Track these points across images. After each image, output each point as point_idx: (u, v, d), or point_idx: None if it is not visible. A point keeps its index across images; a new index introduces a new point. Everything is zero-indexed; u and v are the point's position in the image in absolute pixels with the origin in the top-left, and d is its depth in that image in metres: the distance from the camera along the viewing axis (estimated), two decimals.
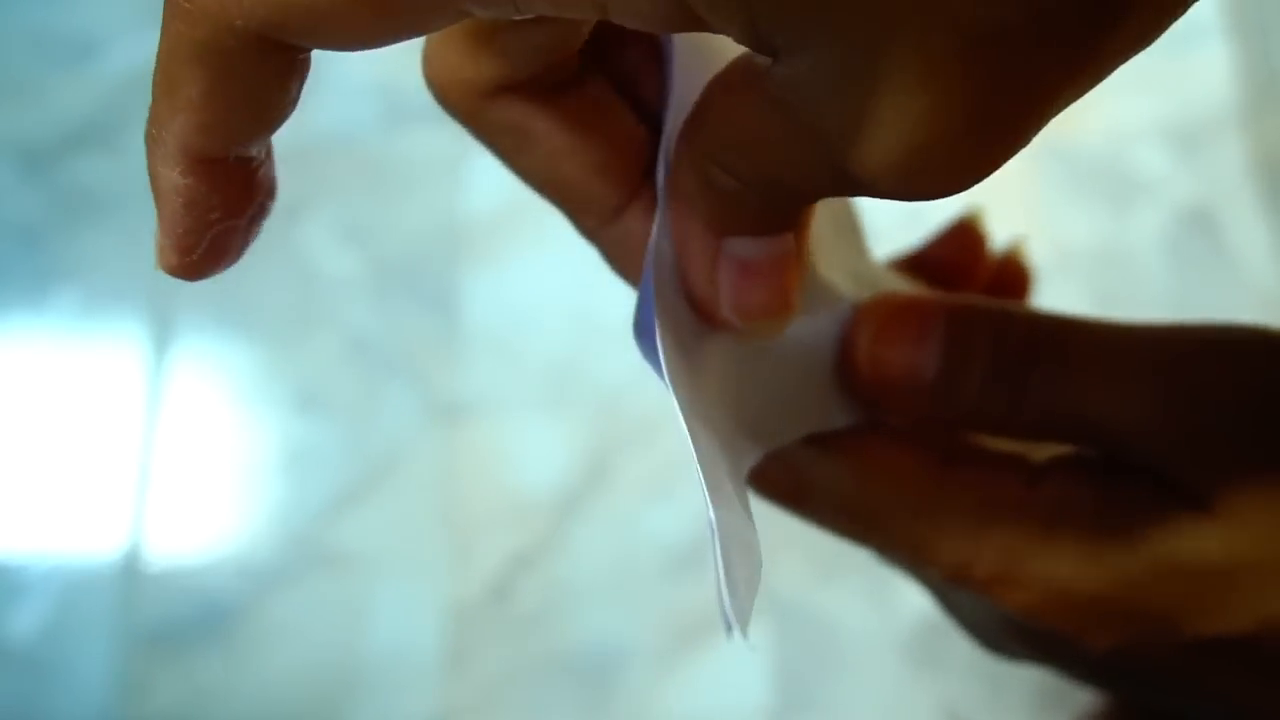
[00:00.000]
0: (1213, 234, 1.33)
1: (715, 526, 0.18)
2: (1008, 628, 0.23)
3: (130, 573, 1.29)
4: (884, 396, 0.22)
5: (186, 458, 1.34)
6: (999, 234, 0.41)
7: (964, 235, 0.28)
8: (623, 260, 0.25)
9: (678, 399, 0.19)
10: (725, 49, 0.19)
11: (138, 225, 1.42)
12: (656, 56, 0.21)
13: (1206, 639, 0.21)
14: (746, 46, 0.14)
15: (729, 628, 0.17)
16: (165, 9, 0.16)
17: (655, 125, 0.21)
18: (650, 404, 1.34)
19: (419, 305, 1.39)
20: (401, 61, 1.30)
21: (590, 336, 1.37)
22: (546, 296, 1.39)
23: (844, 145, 0.14)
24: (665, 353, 0.19)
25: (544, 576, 1.29)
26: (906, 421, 0.23)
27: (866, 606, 1.28)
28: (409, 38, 0.15)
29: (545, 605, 1.28)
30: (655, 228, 0.19)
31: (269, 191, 0.19)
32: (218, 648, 1.26)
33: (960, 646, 1.30)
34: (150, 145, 0.17)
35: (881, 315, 0.22)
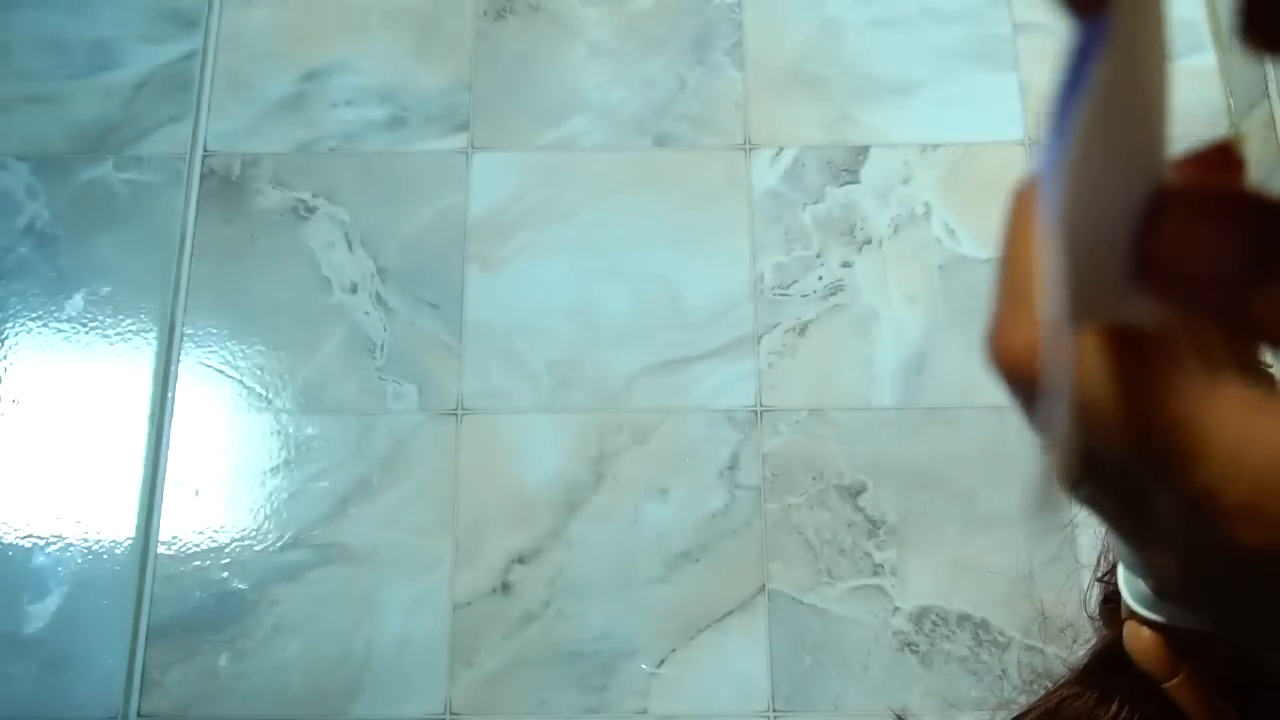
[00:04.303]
0: None
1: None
2: (1233, 568, 0.22)
3: (142, 567, 1.30)
4: (1181, 282, 0.21)
5: (196, 455, 1.35)
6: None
7: (1223, 159, 0.24)
8: None
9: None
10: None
11: (150, 229, 1.43)
12: None
13: None
14: None
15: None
16: None
17: None
18: (649, 404, 1.35)
19: (423, 306, 1.40)
20: (406, 68, 1.32)
21: (591, 337, 1.38)
22: (548, 299, 1.40)
23: None
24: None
25: (545, 574, 1.30)
26: (1195, 315, 0.21)
27: (866, 606, 1.29)
28: None
29: (547, 602, 1.29)
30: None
31: None
32: (227, 641, 1.26)
33: (955, 647, 1.31)
34: None
35: (1194, 196, 0.21)
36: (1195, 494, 0.21)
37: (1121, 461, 0.22)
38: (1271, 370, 0.24)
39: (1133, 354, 0.21)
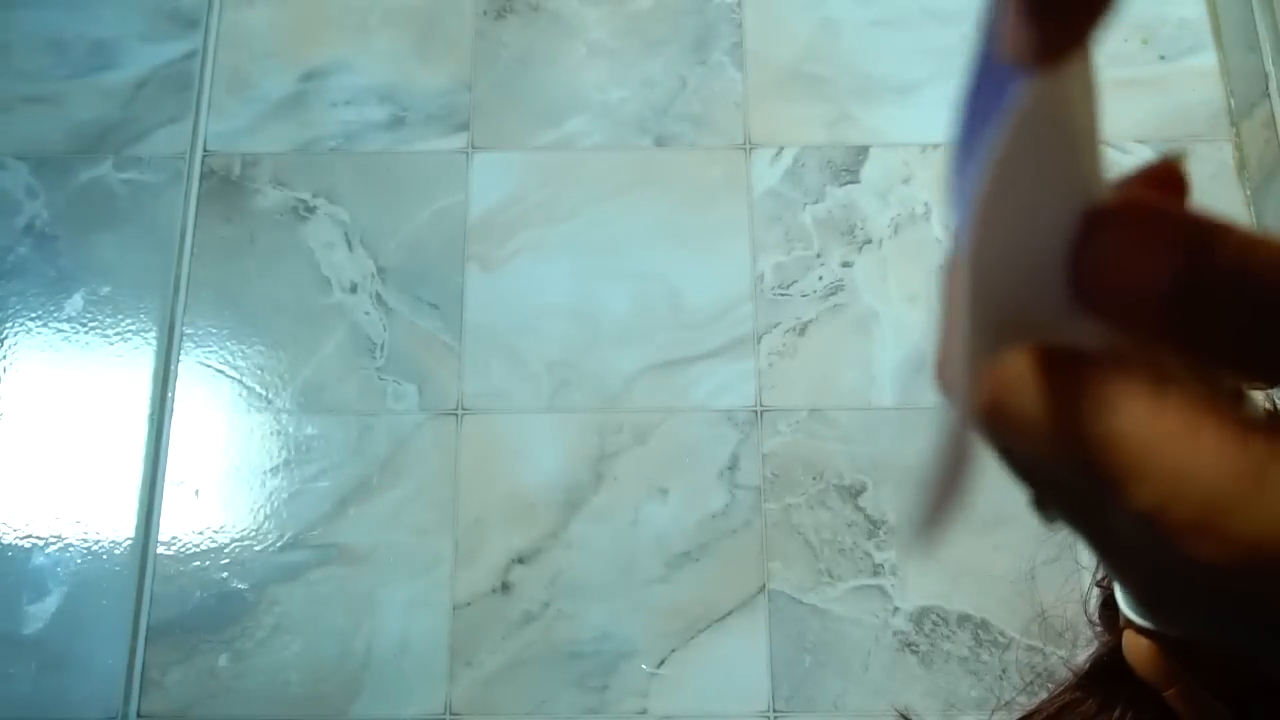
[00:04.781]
0: None
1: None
2: (1191, 583, 0.22)
3: (142, 567, 1.30)
4: (1111, 300, 0.21)
5: (196, 455, 1.35)
6: None
7: (1166, 178, 0.24)
8: None
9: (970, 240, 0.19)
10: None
11: (150, 229, 1.43)
12: None
13: None
14: None
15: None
16: None
17: None
18: (649, 404, 1.35)
19: (423, 306, 1.40)
20: (406, 68, 1.33)
21: (591, 337, 1.38)
22: (548, 299, 1.39)
23: None
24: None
25: (545, 574, 1.30)
26: (1127, 336, 0.21)
27: (866, 606, 1.29)
28: None
29: (547, 602, 1.29)
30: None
31: None
32: (227, 641, 1.26)
33: (955, 647, 1.31)
34: None
35: (1121, 214, 0.21)
36: (1141, 512, 0.21)
37: (1069, 481, 0.22)
38: (1241, 388, 0.24)
39: (1070, 373, 0.21)
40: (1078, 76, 0.20)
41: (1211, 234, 0.20)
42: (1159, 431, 0.20)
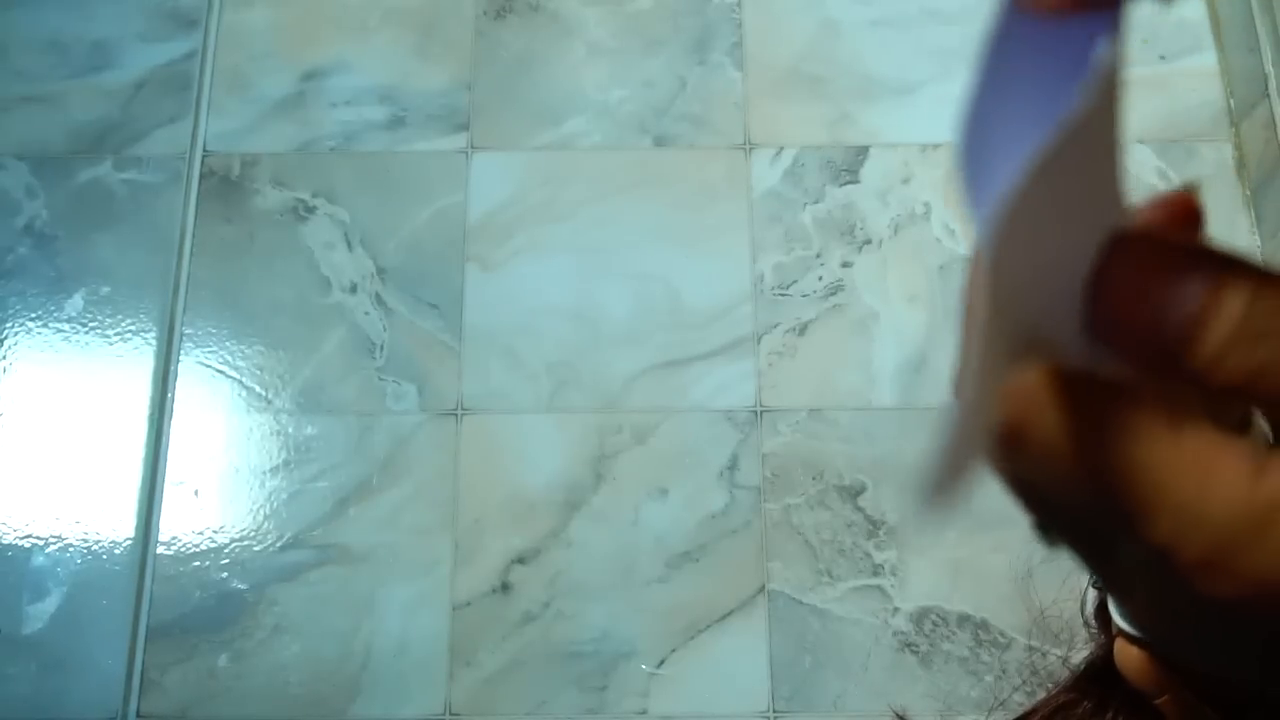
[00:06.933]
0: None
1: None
2: (1202, 618, 0.22)
3: (141, 567, 1.30)
4: (1127, 332, 0.20)
5: (196, 455, 1.35)
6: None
7: (1182, 208, 0.23)
8: None
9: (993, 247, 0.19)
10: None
11: (150, 229, 1.42)
12: None
13: None
14: None
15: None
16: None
17: None
18: (649, 404, 1.35)
19: (423, 306, 1.40)
20: (406, 68, 1.32)
21: (591, 337, 1.38)
22: (548, 299, 1.39)
23: None
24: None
25: (545, 574, 1.30)
26: (1138, 369, 0.21)
27: (866, 606, 1.29)
28: None
29: (547, 602, 1.29)
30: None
31: None
32: (226, 641, 1.26)
33: (955, 647, 1.31)
34: None
35: (1144, 246, 0.20)
36: (1155, 546, 0.20)
37: (1081, 510, 0.22)
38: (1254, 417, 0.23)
39: (1088, 398, 0.21)
40: (1115, 94, 0.20)
41: (1226, 273, 0.20)
42: (1174, 466, 0.20)
